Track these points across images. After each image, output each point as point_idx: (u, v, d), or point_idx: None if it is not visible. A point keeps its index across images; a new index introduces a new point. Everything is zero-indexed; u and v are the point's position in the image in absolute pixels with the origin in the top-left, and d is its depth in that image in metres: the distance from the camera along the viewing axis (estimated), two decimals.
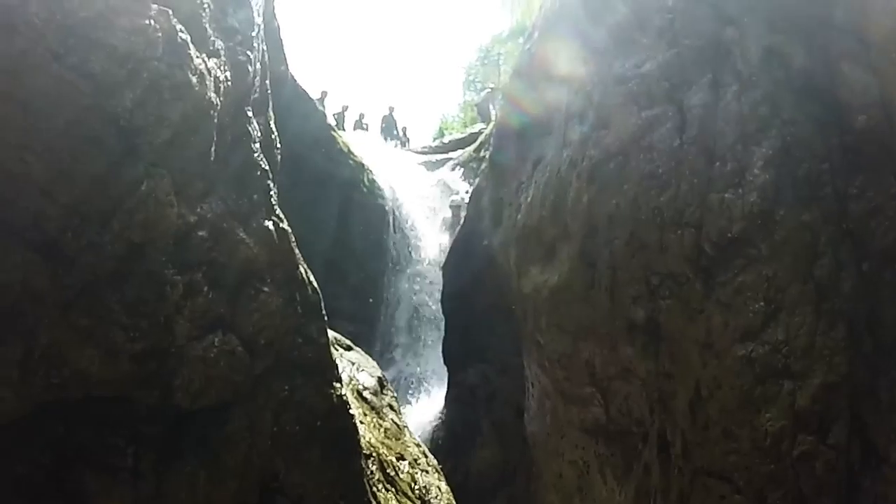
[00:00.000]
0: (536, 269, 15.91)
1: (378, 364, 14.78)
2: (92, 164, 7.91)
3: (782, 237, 10.88)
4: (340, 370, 11.85)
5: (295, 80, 31.05)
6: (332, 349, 12.09)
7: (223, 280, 9.07)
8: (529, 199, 16.57)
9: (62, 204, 7.80)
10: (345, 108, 45.15)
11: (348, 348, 13.81)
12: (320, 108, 35.21)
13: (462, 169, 35.33)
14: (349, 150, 32.89)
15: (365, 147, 36.00)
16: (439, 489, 12.43)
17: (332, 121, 37.11)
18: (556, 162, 15.55)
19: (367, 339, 27.37)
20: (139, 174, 8.18)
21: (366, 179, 32.47)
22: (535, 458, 17.30)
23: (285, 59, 29.61)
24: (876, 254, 10.32)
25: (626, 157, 13.19)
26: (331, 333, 12.87)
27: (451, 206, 30.84)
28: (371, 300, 30.83)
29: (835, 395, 10.16)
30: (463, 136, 43.28)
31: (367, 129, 46.50)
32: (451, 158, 37.77)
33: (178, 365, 8.54)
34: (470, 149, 36.36)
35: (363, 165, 32.85)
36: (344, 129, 40.35)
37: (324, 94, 40.13)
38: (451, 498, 12.65)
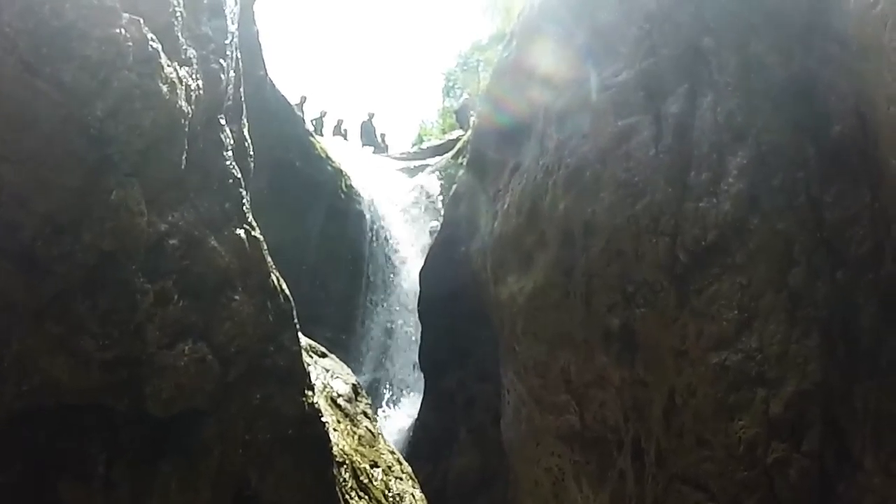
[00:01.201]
0: (513, 277, 15.93)
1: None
2: (65, 173, 7.86)
3: (757, 245, 10.91)
4: (314, 377, 11.83)
5: (273, 85, 30.98)
6: (307, 356, 12.09)
7: (195, 288, 9.03)
8: (506, 206, 16.59)
9: (36, 213, 7.77)
10: (323, 114, 45.06)
11: (323, 355, 13.76)
12: (299, 113, 35.13)
13: (439, 175, 35.27)
14: (327, 155, 32.79)
15: (343, 153, 35.91)
16: (413, 496, 12.41)
17: (310, 126, 37.05)
18: (534, 169, 15.58)
19: (346, 346, 27.32)
20: (109, 182, 8.14)
21: (343, 185, 32.36)
22: (511, 464, 17.29)
23: (264, 64, 29.59)
24: (852, 262, 10.32)
25: (603, 165, 13.23)
26: (305, 340, 12.85)
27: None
28: (349, 307, 30.77)
29: (808, 403, 10.18)
30: (441, 142, 43.20)
31: (345, 136, 46.41)
32: (429, 165, 37.69)
33: (148, 373, 8.50)
34: (448, 155, 36.26)
35: (341, 171, 32.75)
36: (322, 135, 40.24)
37: (303, 99, 40.06)
38: None
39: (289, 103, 33.04)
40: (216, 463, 9.07)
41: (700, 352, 11.19)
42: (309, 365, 11.76)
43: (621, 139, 12.95)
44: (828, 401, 10.13)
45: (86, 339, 8.05)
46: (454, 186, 22.87)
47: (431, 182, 35.17)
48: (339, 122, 47.60)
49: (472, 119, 30.29)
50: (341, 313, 29.92)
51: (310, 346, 13.32)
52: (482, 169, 19.16)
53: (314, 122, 41.37)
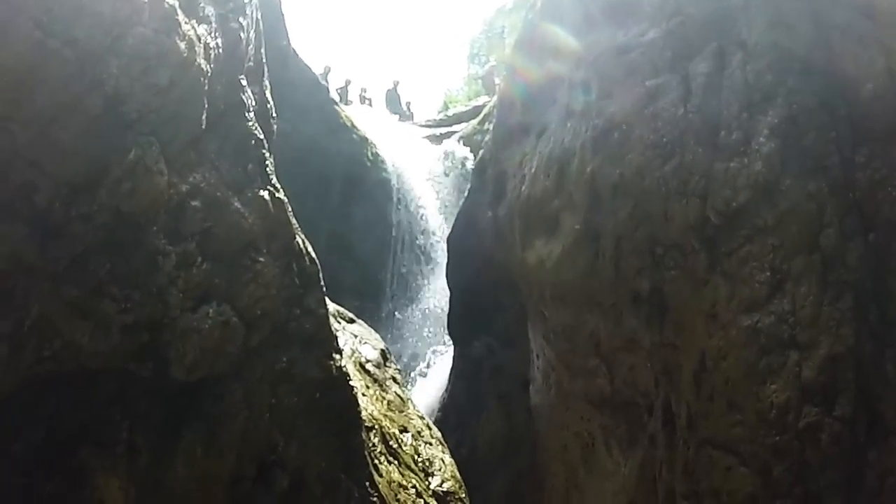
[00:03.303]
0: (540, 241, 15.78)
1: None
2: (80, 133, 7.87)
3: (788, 207, 10.75)
4: (343, 343, 11.81)
5: (297, 55, 30.90)
6: (335, 322, 12.06)
7: (218, 250, 9.05)
8: (533, 170, 16.42)
9: (49, 174, 7.75)
10: (348, 83, 45.02)
11: (351, 321, 13.74)
12: (323, 82, 35.04)
13: (466, 141, 35.08)
14: (352, 124, 32.68)
15: (368, 121, 35.79)
16: (443, 461, 12.39)
17: (335, 95, 36.96)
18: (560, 132, 15.41)
19: (372, 313, 27.25)
20: (126, 142, 8.13)
21: (369, 153, 32.26)
22: (540, 430, 17.22)
23: (287, 33, 29.50)
24: (883, 224, 10.19)
25: (630, 126, 13.04)
26: (333, 306, 12.84)
27: None
28: (376, 275, 30.70)
29: (841, 367, 10.03)
30: (467, 108, 43.01)
31: (370, 104, 46.35)
32: (455, 131, 37.53)
33: (171, 336, 8.55)
34: (474, 121, 36.11)
35: (367, 139, 32.64)
36: (347, 104, 40.17)
37: (327, 69, 40.03)
38: (455, 470, 12.61)
39: (312, 73, 32.95)
40: (241, 428, 9.11)
41: (731, 314, 11.04)
42: (337, 330, 11.76)
43: (649, 100, 12.75)
44: (860, 365, 9.99)
45: (106, 303, 8.08)
46: (480, 152, 22.73)
47: (458, 148, 35.02)
48: (363, 91, 47.60)
49: (498, 84, 30.11)
50: (369, 282, 29.89)
51: (338, 311, 13.32)
52: (508, 133, 18.97)
53: (339, 91, 41.35)
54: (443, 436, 13.58)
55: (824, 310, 10.27)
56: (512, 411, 19.20)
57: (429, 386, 25.29)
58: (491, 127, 22.87)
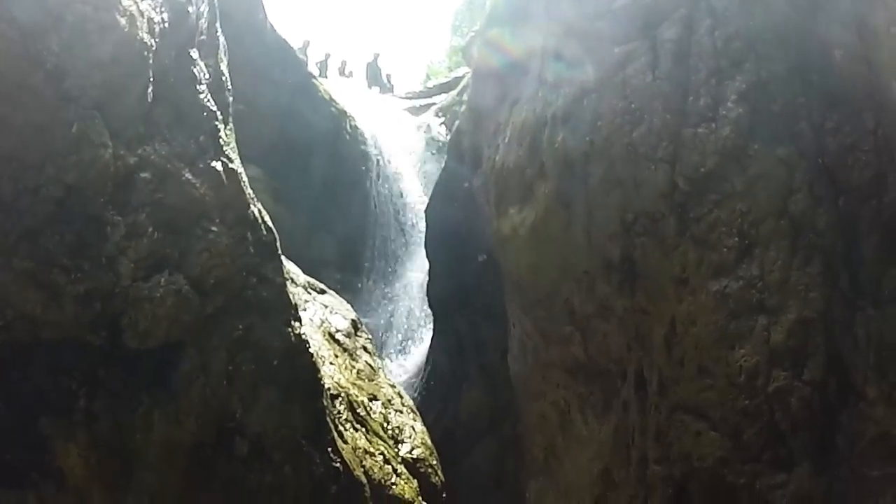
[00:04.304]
0: (514, 210, 15.75)
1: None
2: (23, 108, 8.01)
3: (757, 172, 10.78)
4: (313, 313, 11.90)
5: (274, 30, 30.65)
6: (305, 292, 12.08)
7: (169, 221, 9.13)
8: (507, 139, 16.38)
9: None
10: (327, 56, 44.76)
11: (322, 291, 13.74)
12: (302, 56, 34.84)
13: (444, 112, 34.95)
14: (331, 97, 32.46)
15: (347, 94, 35.57)
16: (413, 429, 12.43)
17: (314, 69, 36.75)
18: (533, 101, 15.37)
19: (354, 286, 27.21)
20: (70, 117, 8.25)
21: (348, 127, 32.03)
22: (519, 400, 17.23)
23: (264, 7, 29.29)
24: (853, 190, 10.20)
25: (600, 93, 13.04)
26: (304, 277, 12.89)
27: None
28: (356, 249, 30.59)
29: (810, 331, 10.07)
30: (447, 80, 42.80)
31: (350, 77, 46.13)
32: (435, 103, 37.39)
33: (123, 305, 8.65)
34: (453, 93, 35.94)
35: (345, 113, 32.38)
36: (327, 77, 39.96)
37: (306, 43, 39.73)
38: (427, 437, 12.66)
39: (290, 47, 32.69)
40: (198, 394, 9.21)
41: (700, 280, 11.08)
42: (307, 301, 11.80)
43: (618, 67, 12.75)
44: (830, 330, 10.03)
45: (56, 273, 8.20)
46: (457, 123, 22.65)
47: (436, 120, 34.90)
48: (343, 64, 47.36)
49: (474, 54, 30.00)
50: (349, 255, 29.79)
51: (309, 282, 13.33)
52: (483, 103, 18.92)
53: (318, 65, 41.15)
54: (423, 406, 13.59)
55: (793, 274, 10.31)
56: (493, 383, 19.22)
57: (410, 358, 25.30)
58: (467, 97, 22.81)
